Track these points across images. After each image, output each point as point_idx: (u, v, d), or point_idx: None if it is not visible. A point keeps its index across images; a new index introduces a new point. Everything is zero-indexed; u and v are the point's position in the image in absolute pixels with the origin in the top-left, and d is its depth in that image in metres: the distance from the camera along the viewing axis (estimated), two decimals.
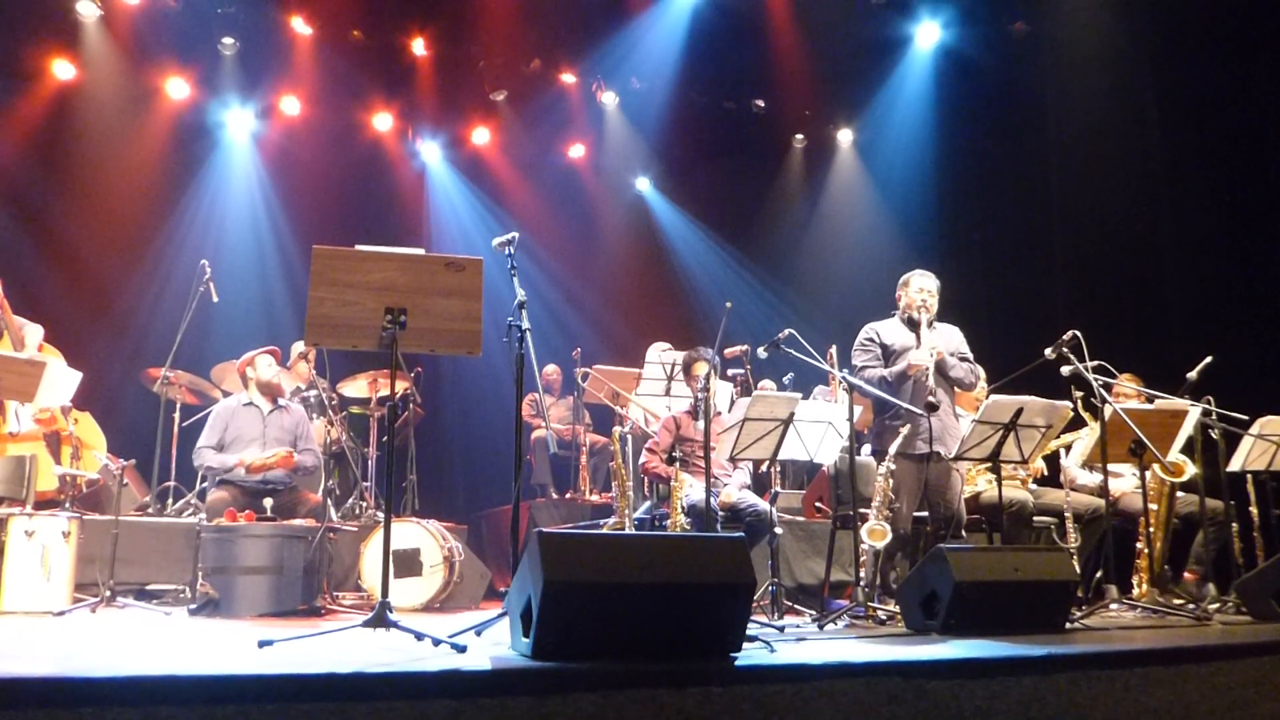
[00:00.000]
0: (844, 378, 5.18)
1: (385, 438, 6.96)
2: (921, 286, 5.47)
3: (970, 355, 5.59)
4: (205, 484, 6.23)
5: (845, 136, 11.15)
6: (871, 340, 5.50)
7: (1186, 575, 6.01)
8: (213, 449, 5.92)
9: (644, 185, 11.20)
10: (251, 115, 9.45)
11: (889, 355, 5.43)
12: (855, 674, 2.81)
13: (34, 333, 6.50)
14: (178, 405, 7.06)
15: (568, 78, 10.35)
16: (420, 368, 7.94)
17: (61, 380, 5.87)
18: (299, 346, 7.34)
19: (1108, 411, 5.20)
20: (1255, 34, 7.94)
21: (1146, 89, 8.76)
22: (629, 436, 6.60)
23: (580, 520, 7.65)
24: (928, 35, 10.25)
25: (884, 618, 4.69)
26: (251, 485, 5.81)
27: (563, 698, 2.47)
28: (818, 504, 7.09)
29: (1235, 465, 5.92)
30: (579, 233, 10.64)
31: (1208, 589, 5.62)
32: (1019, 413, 4.96)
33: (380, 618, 3.33)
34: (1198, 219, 8.36)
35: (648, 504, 6.20)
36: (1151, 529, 5.72)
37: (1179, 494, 6.04)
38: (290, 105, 9.45)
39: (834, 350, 6.79)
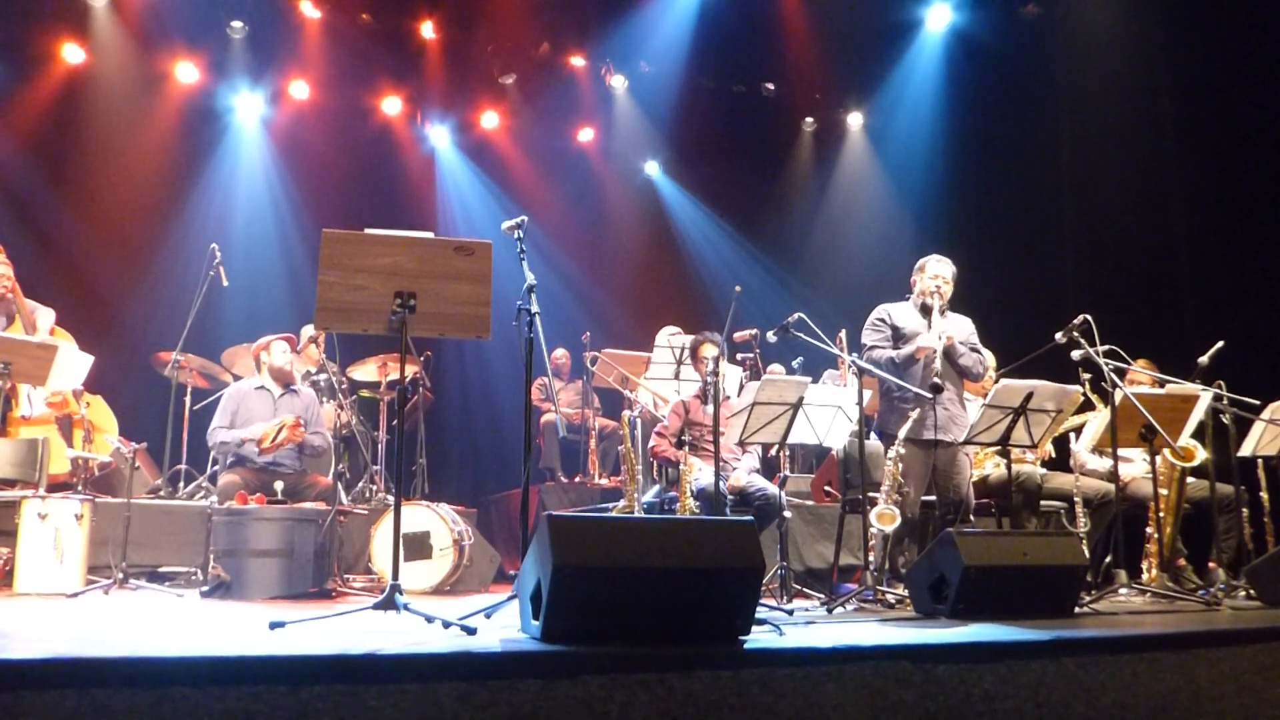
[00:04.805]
0: (853, 362, 5.17)
1: (395, 421, 6.98)
2: (937, 273, 5.42)
3: (980, 346, 5.57)
4: (216, 467, 6.26)
5: (855, 120, 11.10)
6: (883, 321, 5.48)
7: (1210, 565, 5.98)
8: (225, 429, 5.95)
9: (653, 169, 11.17)
10: (261, 99, 9.45)
11: (899, 338, 5.40)
12: (864, 658, 2.81)
13: (46, 316, 6.53)
14: (189, 389, 7.09)
15: (577, 61, 10.32)
16: (430, 352, 7.95)
17: (73, 364, 5.89)
18: (309, 330, 7.36)
19: (1118, 396, 5.18)
20: (1269, 15, 7.85)
21: (1159, 72, 8.68)
22: (638, 420, 6.61)
23: (589, 504, 7.67)
24: (939, 18, 10.19)
25: (893, 602, 4.70)
26: (262, 468, 5.84)
27: (572, 680, 2.48)
28: (827, 488, 7.10)
29: (1246, 450, 5.91)
30: (588, 217, 10.63)
31: (1218, 574, 5.61)
32: (1029, 397, 4.94)
33: (390, 600, 3.34)
34: (1210, 203, 8.29)
35: (657, 488, 6.20)
36: (1161, 514, 5.70)
37: (1189, 479, 6.02)
38: (299, 89, 9.44)
39: (843, 334, 6.78)
